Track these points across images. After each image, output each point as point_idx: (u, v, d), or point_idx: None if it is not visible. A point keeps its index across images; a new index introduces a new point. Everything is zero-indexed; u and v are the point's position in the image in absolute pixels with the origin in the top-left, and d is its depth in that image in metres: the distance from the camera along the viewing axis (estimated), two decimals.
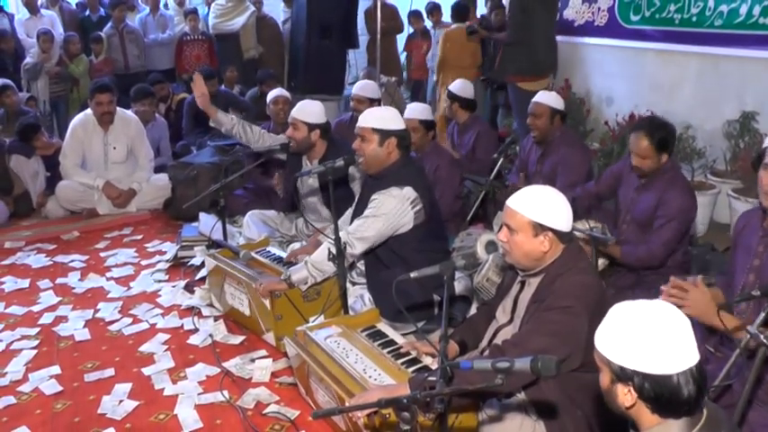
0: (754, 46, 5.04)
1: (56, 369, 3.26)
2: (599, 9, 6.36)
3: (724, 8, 5.28)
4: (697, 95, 5.47)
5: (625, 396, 1.50)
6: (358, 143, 3.14)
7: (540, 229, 2.18)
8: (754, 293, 2.03)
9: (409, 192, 3.01)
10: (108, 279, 4.31)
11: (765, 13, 4.95)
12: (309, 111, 3.85)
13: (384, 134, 3.08)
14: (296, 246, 3.93)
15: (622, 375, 1.48)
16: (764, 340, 1.95)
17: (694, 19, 5.54)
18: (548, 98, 4.24)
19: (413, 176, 3.09)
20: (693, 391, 1.45)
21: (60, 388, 3.10)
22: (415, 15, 8.60)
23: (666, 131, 3.26)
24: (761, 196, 2.37)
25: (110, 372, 3.23)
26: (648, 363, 1.45)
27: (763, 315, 1.99)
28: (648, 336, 1.45)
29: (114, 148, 5.45)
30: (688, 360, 1.45)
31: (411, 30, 8.72)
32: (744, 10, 5.12)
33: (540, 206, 2.18)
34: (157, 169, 5.74)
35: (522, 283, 2.35)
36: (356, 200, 3.40)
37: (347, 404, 2.24)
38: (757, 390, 2.23)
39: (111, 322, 3.73)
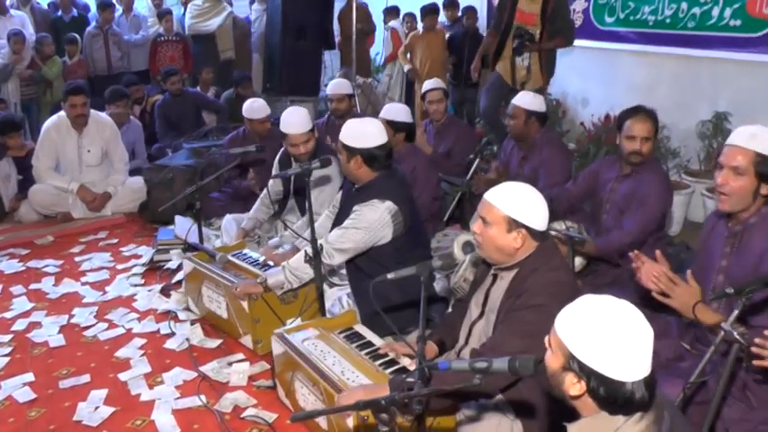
0: (726, 48, 5.14)
1: (29, 376, 3.21)
2: (574, 11, 6.42)
3: (696, 10, 5.38)
4: (671, 96, 5.55)
5: (573, 386, 1.50)
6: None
7: (514, 224, 2.19)
8: (728, 291, 2.06)
9: (390, 205, 3.00)
10: (83, 284, 4.26)
11: (736, 15, 5.04)
12: (304, 120, 3.75)
13: (350, 151, 3.05)
14: (273, 241, 3.90)
15: (577, 369, 1.48)
16: (738, 337, 1.98)
17: (668, 21, 5.63)
18: (525, 100, 4.24)
19: (394, 189, 3.07)
20: (645, 396, 1.46)
21: (34, 395, 3.05)
22: (391, 12, 8.67)
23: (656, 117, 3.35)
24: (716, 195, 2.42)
25: (85, 378, 3.19)
26: (608, 366, 1.44)
27: (736, 312, 2.02)
28: (614, 338, 1.44)
29: (89, 150, 5.37)
30: (644, 370, 1.46)
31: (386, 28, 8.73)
32: (716, 12, 5.22)
33: (518, 202, 2.19)
34: (133, 172, 5.68)
35: (495, 277, 2.36)
36: (337, 209, 3.38)
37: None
38: (731, 386, 2.27)
39: (87, 327, 3.69)
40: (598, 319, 1.47)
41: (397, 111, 4.21)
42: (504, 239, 2.21)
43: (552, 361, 1.55)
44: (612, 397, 1.46)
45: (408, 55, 7.59)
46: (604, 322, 1.46)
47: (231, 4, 8.41)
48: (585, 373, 1.47)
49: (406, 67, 7.67)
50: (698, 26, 5.39)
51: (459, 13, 7.91)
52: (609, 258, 3.42)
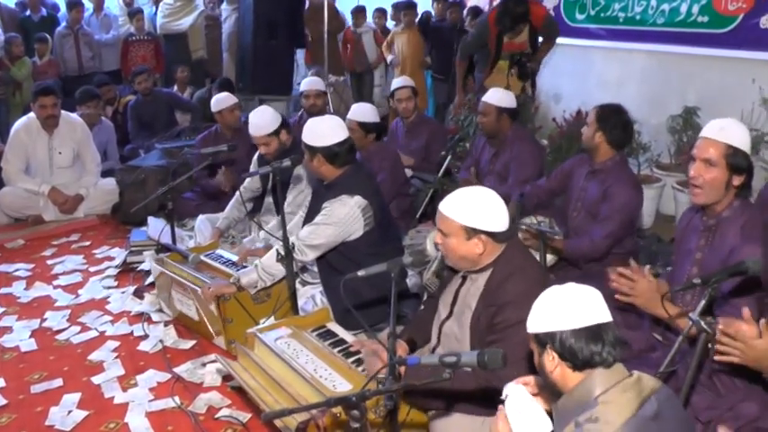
0: (694, 43, 5.21)
1: (0, 382, 3.18)
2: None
3: (666, 7, 5.45)
4: (642, 92, 5.62)
5: (551, 362, 1.62)
6: None
7: (472, 232, 2.17)
8: (695, 282, 2.09)
9: (359, 200, 3.01)
10: (55, 287, 4.21)
11: (704, 11, 5.12)
12: (264, 122, 3.76)
13: (311, 150, 3.06)
14: (248, 240, 3.90)
15: (543, 341, 1.62)
16: (705, 326, 2.01)
17: (638, 17, 5.70)
18: (496, 96, 4.26)
19: (363, 184, 3.08)
20: (611, 346, 1.59)
21: (5, 401, 3.02)
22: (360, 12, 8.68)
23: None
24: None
25: (58, 382, 3.16)
26: (563, 321, 1.60)
27: (703, 302, 2.06)
28: (564, 304, 1.62)
29: (60, 152, 5.32)
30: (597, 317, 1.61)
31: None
32: (684, 8, 5.29)
33: (471, 210, 2.16)
34: (105, 173, 5.62)
35: (464, 278, 2.36)
36: (308, 206, 3.38)
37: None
38: (699, 374, 2.30)
39: (59, 331, 3.66)
40: (553, 297, 1.64)
41: (365, 111, 4.20)
42: (466, 247, 2.19)
43: (535, 358, 1.69)
44: (575, 351, 1.58)
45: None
46: (558, 298, 1.63)
47: (204, 4, 8.37)
48: (548, 339, 1.61)
49: (389, 58, 7.69)
50: (667, 22, 5.46)
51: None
52: (573, 262, 3.45)
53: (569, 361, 1.60)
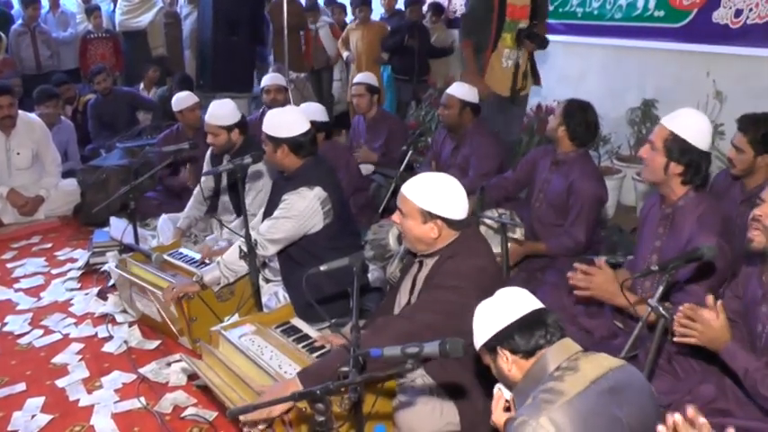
0: (651, 37, 5.31)
1: None
2: None
3: (623, 1, 5.54)
4: (601, 85, 5.71)
5: (506, 362, 1.73)
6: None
7: (428, 216, 2.24)
8: (653, 268, 2.16)
9: (319, 192, 3.02)
10: (16, 290, 4.14)
11: (659, 6, 5.22)
12: (222, 113, 3.80)
13: (275, 141, 3.07)
14: (211, 238, 3.88)
15: (491, 345, 1.74)
16: (663, 312, 2.08)
17: (596, 12, 5.79)
18: (460, 90, 4.30)
19: (323, 176, 3.09)
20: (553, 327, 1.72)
21: None
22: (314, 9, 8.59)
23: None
24: None
25: (21, 386, 3.12)
26: (501, 320, 1.72)
27: (661, 289, 2.12)
28: (497, 308, 1.75)
29: (18, 153, 5.20)
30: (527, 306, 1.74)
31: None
32: (640, 3, 5.39)
33: (431, 194, 2.24)
34: (66, 174, 5.53)
35: (420, 263, 2.43)
36: (267, 200, 3.38)
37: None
38: (659, 359, 2.37)
39: (21, 335, 3.60)
40: (488, 307, 1.78)
41: (314, 111, 4.22)
42: (421, 230, 2.27)
43: (487, 362, 1.81)
44: (522, 340, 1.70)
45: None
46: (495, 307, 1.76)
47: (163, 1, 8.26)
48: (498, 342, 1.72)
49: (345, 54, 7.68)
50: (624, 17, 5.55)
51: (397, 5, 7.91)
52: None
53: (520, 352, 1.69)
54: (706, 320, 2.02)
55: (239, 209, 3.84)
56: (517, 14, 4.88)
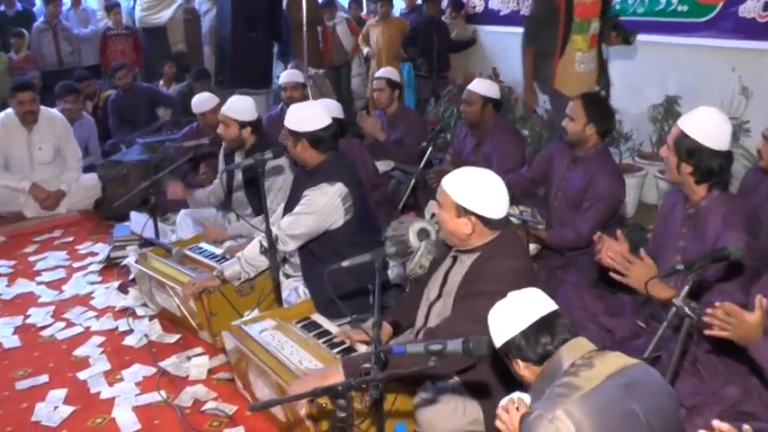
0: (674, 33, 5.24)
1: None
2: None
3: None
4: (623, 81, 5.63)
5: (519, 368, 1.76)
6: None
7: (462, 211, 2.21)
8: (678, 268, 2.12)
9: (340, 188, 3.01)
10: (38, 284, 4.19)
11: (683, 1, 5.15)
12: (240, 108, 3.79)
13: (295, 136, 3.05)
14: (229, 243, 3.89)
15: (505, 352, 1.77)
16: (689, 312, 2.04)
17: (618, 7, 5.71)
18: (481, 86, 4.27)
19: (344, 172, 3.07)
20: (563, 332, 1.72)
21: None
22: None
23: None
24: None
25: (43, 378, 3.15)
26: (511, 328, 1.74)
27: (687, 288, 2.08)
28: (508, 313, 1.78)
29: (40, 148, 5.26)
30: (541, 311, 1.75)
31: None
32: None
33: (469, 190, 2.20)
34: (87, 169, 5.58)
35: (455, 259, 2.38)
36: (288, 195, 3.37)
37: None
38: (683, 360, 2.34)
39: (43, 327, 3.64)
40: (500, 310, 1.80)
41: (328, 107, 4.20)
42: (454, 224, 2.24)
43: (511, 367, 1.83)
44: (530, 351, 1.72)
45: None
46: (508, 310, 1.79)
47: None
48: (510, 348, 1.75)
49: (365, 50, 7.67)
50: (647, 12, 5.49)
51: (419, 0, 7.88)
52: (557, 250, 3.47)
53: (530, 360, 1.72)
54: (745, 319, 1.97)
55: (254, 204, 3.85)
56: (588, 12, 4.33)
